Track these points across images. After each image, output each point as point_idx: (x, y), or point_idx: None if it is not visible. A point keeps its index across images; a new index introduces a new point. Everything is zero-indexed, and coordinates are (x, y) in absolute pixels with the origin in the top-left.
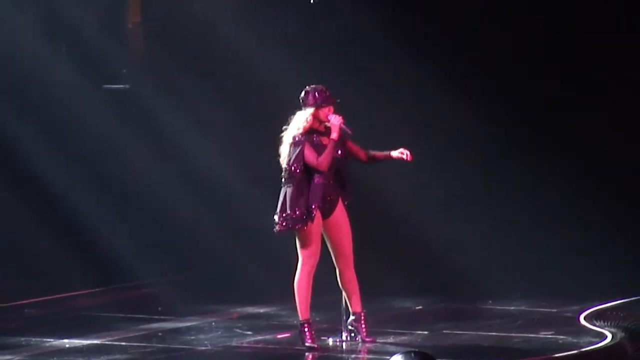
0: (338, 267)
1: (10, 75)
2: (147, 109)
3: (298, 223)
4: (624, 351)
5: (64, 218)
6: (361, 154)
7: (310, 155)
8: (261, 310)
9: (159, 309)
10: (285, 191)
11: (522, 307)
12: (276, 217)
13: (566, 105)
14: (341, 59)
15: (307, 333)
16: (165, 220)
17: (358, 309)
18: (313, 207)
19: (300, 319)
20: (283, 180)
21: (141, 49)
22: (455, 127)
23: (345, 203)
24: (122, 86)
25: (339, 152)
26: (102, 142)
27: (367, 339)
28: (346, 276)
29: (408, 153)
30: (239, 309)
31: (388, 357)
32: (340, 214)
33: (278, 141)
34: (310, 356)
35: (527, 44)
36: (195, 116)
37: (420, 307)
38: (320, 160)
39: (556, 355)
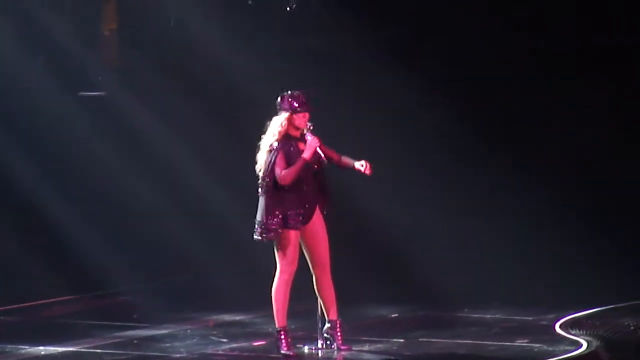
0: (314, 274)
1: None
2: (123, 115)
3: (271, 232)
4: (598, 359)
5: (38, 225)
6: (335, 157)
7: (279, 165)
8: (237, 318)
9: (135, 316)
10: (263, 200)
11: (498, 315)
12: (255, 225)
13: (546, 108)
14: (318, 66)
15: (283, 341)
16: (140, 227)
17: (334, 316)
18: (290, 215)
19: (277, 326)
20: (260, 189)
21: (117, 56)
22: (431, 135)
23: (324, 212)
24: (98, 93)
25: (315, 166)
26: (77, 149)
27: (342, 347)
28: (322, 283)
29: (368, 166)
30: (214, 317)
31: None
32: (317, 221)
33: (255, 148)
34: None
35: (503, 42)
36: (172, 122)
37: (395, 315)
38: (284, 174)
39: None
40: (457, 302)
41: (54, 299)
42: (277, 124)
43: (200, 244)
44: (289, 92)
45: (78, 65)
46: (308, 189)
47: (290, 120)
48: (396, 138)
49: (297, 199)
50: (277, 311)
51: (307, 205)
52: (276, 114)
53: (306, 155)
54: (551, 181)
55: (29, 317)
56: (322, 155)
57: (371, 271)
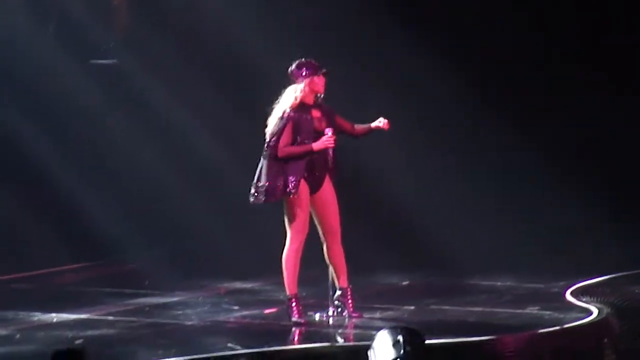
0: (325, 242)
1: None
2: (133, 83)
3: (271, 196)
4: (609, 327)
5: (49, 194)
6: (348, 127)
7: (284, 138)
8: (248, 286)
9: (146, 284)
10: (263, 163)
11: (509, 283)
12: (252, 189)
13: (555, 78)
14: (330, 38)
15: (294, 308)
16: (152, 195)
17: (344, 284)
18: (293, 180)
19: (288, 294)
20: (264, 152)
21: (127, 23)
22: (443, 104)
23: (333, 179)
24: (109, 61)
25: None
26: (88, 117)
27: (353, 314)
28: (333, 251)
29: (385, 122)
30: (226, 284)
31: (374, 332)
32: (327, 189)
33: (265, 115)
34: (297, 331)
35: (514, 17)
36: (182, 91)
37: (406, 283)
38: (285, 151)
39: (542, 330)
40: (468, 270)
41: (65, 267)
42: (296, 90)
43: (210, 212)
44: (302, 60)
45: (88, 33)
46: (317, 156)
47: (310, 85)
48: (409, 107)
49: (304, 166)
50: (287, 279)
51: (316, 173)
52: (289, 84)
53: (316, 147)
54: (563, 150)
55: (41, 284)
56: (332, 156)
57: (382, 239)
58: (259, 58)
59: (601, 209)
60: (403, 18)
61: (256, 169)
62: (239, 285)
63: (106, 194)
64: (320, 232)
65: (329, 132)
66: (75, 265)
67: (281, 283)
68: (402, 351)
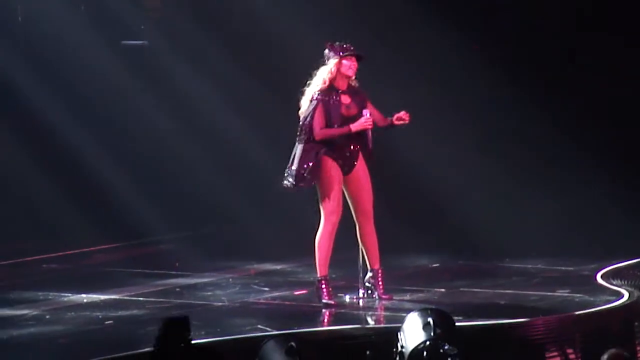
0: (358, 222)
1: (29, 35)
2: (163, 65)
3: (300, 182)
4: None
5: (80, 176)
6: (377, 118)
7: (317, 120)
8: (278, 267)
9: (176, 265)
10: (296, 147)
11: (539, 266)
12: (285, 172)
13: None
14: (362, 21)
15: (324, 290)
16: (182, 176)
17: (376, 265)
18: (321, 159)
19: (318, 275)
20: (298, 136)
21: (158, 4)
22: (472, 85)
23: (368, 161)
24: (140, 42)
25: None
26: (119, 99)
27: (383, 296)
28: (366, 232)
29: (406, 117)
30: (256, 266)
31: (404, 314)
32: (361, 169)
33: (294, 99)
34: (327, 313)
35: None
36: (212, 73)
37: (437, 265)
38: (321, 134)
39: (572, 313)
40: (498, 252)
41: (95, 247)
42: (324, 72)
43: (241, 193)
44: (333, 42)
45: (120, 14)
46: (350, 139)
47: (338, 67)
48: (440, 92)
49: (336, 148)
50: (319, 260)
51: (348, 154)
52: (322, 64)
53: (354, 128)
54: (595, 130)
55: (72, 265)
56: (370, 139)
57: (413, 221)
58: (289, 39)
59: (633, 192)
60: (439, 8)
61: (291, 152)
62: (269, 266)
63: (137, 175)
64: (353, 213)
65: (366, 113)
66: (105, 246)
67: (311, 264)
68: (432, 333)
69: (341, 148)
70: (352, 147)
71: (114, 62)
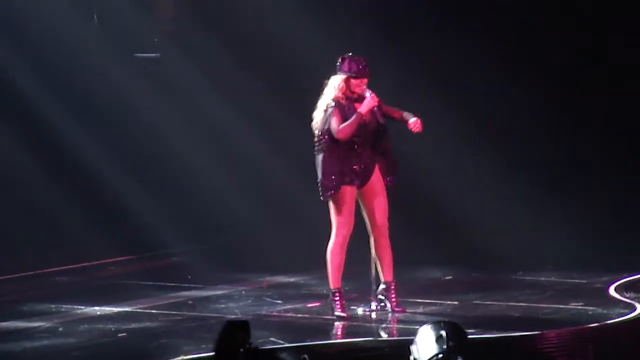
0: (372, 235)
1: (41, 45)
2: (177, 77)
3: (328, 192)
4: None
5: (92, 187)
6: (396, 115)
7: (335, 121)
8: (291, 279)
9: (189, 277)
10: (319, 158)
11: (552, 278)
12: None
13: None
14: (373, 26)
15: (337, 302)
16: (194, 188)
17: (389, 278)
18: (344, 173)
19: (331, 288)
20: (315, 147)
21: (171, 16)
22: (485, 95)
23: (386, 178)
24: (153, 55)
25: (379, 120)
26: (131, 111)
27: (396, 309)
28: (380, 245)
29: (419, 123)
30: (268, 278)
31: (417, 327)
32: (376, 182)
33: (312, 107)
34: (340, 325)
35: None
36: (225, 84)
37: (449, 278)
38: (341, 128)
39: (586, 326)
40: (511, 265)
41: (108, 260)
42: (334, 84)
43: (255, 205)
44: (351, 55)
45: (133, 26)
46: (363, 150)
47: (347, 84)
48: (448, 97)
49: (351, 160)
50: (331, 273)
51: (362, 166)
52: (335, 73)
53: (363, 110)
54: (606, 142)
55: (84, 277)
56: (379, 114)
57: (425, 233)
58: (301, 49)
59: None
60: (446, 13)
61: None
62: (281, 279)
63: (149, 187)
64: (368, 226)
65: (367, 92)
66: (118, 259)
67: (324, 277)
68: (445, 346)
69: (354, 160)
70: (366, 159)
71: (127, 74)
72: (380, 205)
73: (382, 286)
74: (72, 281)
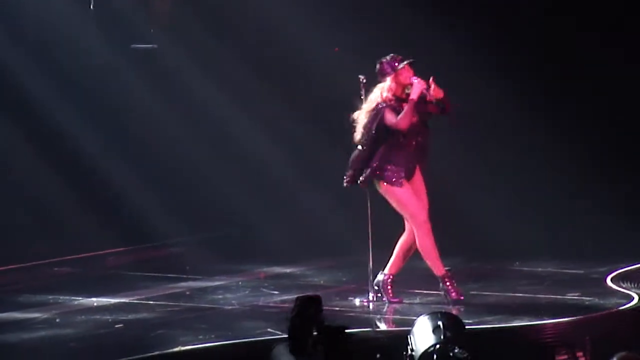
0: (407, 229)
1: (38, 36)
2: (174, 68)
3: (392, 184)
4: None
5: (92, 178)
6: (435, 109)
7: (390, 117)
8: (287, 270)
9: (187, 268)
10: (366, 152)
11: (549, 269)
12: (353, 171)
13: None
14: (380, 28)
15: (449, 287)
16: (192, 180)
17: (392, 271)
18: (394, 170)
19: (439, 275)
20: (361, 142)
21: (168, 8)
22: (484, 90)
23: (423, 171)
24: (149, 46)
25: (429, 110)
26: (129, 103)
27: (392, 300)
28: (411, 239)
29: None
30: (265, 269)
31: (414, 318)
32: (418, 179)
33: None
34: (337, 315)
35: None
36: (222, 76)
37: (448, 268)
38: (399, 119)
39: (583, 316)
40: (508, 256)
41: (105, 251)
42: (382, 88)
43: (251, 196)
44: (384, 57)
45: (129, 17)
46: (411, 148)
47: (397, 81)
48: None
49: (402, 157)
50: (433, 262)
51: (410, 165)
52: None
53: (413, 96)
54: (603, 134)
55: (82, 268)
56: (430, 95)
57: None
58: (300, 44)
59: None
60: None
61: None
62: (278, 269)
63: (147, 178)
64: (407, 221)
65: (414, 79)
66: (116, 250)
67: (320, 268)
68: (442, 336)
69: (405, 158)
70: (413, 157)
71: (125, 65)
72: (422, 200)
73: (378, 277)
74: (70, 272)
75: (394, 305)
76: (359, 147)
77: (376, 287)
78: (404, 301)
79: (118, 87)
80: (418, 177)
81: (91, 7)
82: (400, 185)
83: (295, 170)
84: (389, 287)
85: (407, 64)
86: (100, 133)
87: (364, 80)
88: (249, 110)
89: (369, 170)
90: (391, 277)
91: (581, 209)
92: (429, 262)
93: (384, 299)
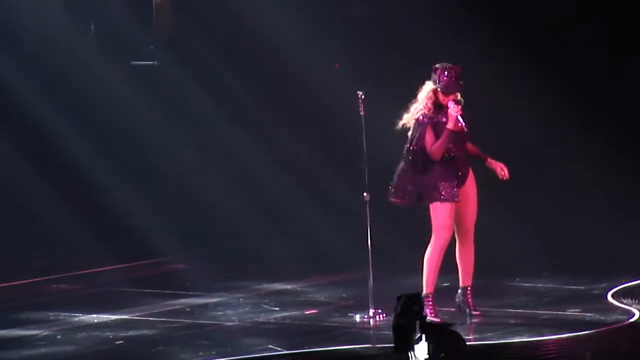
0: (458, 239)
1: (38, 52)
2: (174, 85)
3: (437, 200)
4: None
5: (91, 194)
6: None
7: (429, 140)
8: (288, 287)
9: (187, 284)
10: (405, 166)
11: (550, 285)
12: (393, 188)
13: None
14: (372, 37)
15: (430, 307)
16: (192, 196)
17: (467, 282)
18: (445, 186)
19: (424, 292)
20: (403, 154)
21: (168, 24)
22: (479, 105)
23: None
24: (150, 62)
25: (464, 125)
26: (127, 118)
27: (474, 312)
28: (464, 249)
29: (506, 172)
30: (266, 285)
31: None
32: (470, 185)
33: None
34: (338, 332)
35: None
36: (221, 92)
37: (447, 284)
38: (434, 149)
39: (583, 332)
40: (508, 271)
41: (106, 268)
42: (424, 94)
43: (253, 213)
44: (447, 65)
45: (129, 34)
46: (459, 155)
47: (435, 94)
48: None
49: (450, 170)
50: (427, 277)
51: (460, 173)
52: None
53: (450, 126)
54: (600, 149)
55: (82, 285)
56: (462, 122)
57: (422, 240)
58: (299, 58)
59: None
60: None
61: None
62: (279, 286)
63: (147, 195)
64: (455, 229)
65: (450, 104)
66: (116, 266)
67: (321, 284)
68: (442, 353)
69: (453, 170)
70: (461, 165)
71: (124, 81)
72: (470, 211)
73: (459, 291)
74: (70, 289)
75: (475, 319)
76: (404, 158)
77: (457, 301)
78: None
79: (118, 102)
80: (470, 182)
81: (92, 27)
82: (453, 200)
83: (295, 186)
84: (469, 298)
85: (452, 92)
86: (99, 149)
87: (363, 96)
88: (251, 126)
89: (424, 191)
90: (467, 288)
91: (582, 224)
92: (424, 275)
93: (466, 312)
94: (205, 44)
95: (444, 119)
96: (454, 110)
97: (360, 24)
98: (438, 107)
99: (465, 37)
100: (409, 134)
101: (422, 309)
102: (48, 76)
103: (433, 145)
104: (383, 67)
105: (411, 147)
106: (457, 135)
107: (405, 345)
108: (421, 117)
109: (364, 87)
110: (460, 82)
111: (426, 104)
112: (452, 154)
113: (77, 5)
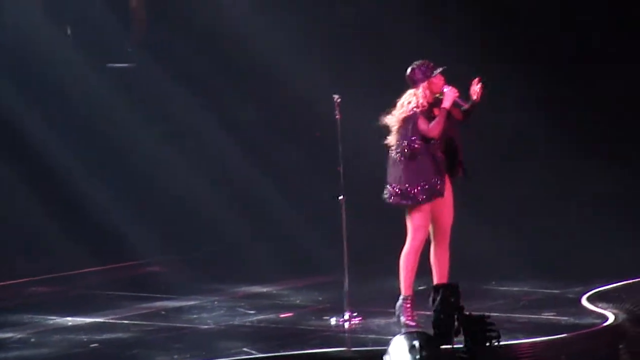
0: (433, 240)
1: (15, 55)
2: (151, 87)
3: (418, 201)
4: (625, 332)
5: (67, 196)
6: (460, 116)
7: (422, 124)
8: (264, 290)
9: (162, 287)
10: (402, 166)
11: (525, 288)
12: (389, 189)
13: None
14: (356, 44)
15: (407, 310)
16: (168, 198)
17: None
18: (432, 184)
19: (403, 294)
20: (397, 155)
21: (145, 27)
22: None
23: (455, 177)
24: (126, 65)
25: (460, 116)
26: (105, 121)
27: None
28: (439, 250)
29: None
30: (242, 288)
31: (390, 337)
32: (447, 189)
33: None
34: (313, 336)
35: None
36: (201, 94)
37: (423, 287)
38: (431, 127)
39: (558, 336)
40: (484, 275)
41: (81, 270)
42: (417, 94)
43: (228, 216)
44: (416, 63)
45: (106, 36)
46: (443, 156)
47: (430, 87)
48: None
49: (435, 168)
50: (405, 277)
51: (441, 175)
52: (406, 88)
53: (446, 104)
54: (580, 153)
55: (57, 288)
56: (462, 101)
57: (397, 244)
58: (280, 60)
59: (618, 215)
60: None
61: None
62: (255, 289)
63: (123, 196)
64: (431, 230)
65: (446, 88)
66: (91, 269)
67: (297, 287)
68: (418, 356)
69: (437, 169)
70: (443, 167)
71: (102, 84)
72: (447, 212)
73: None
74: (45, 291)
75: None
76: (393, 154)
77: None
78: (380, 320)
79: (97, 105)
80: (447, 185)
81: (68, 31)
82: (430, 201)
83: (276, 190)
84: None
85: (439, 72)
86: (78, 151)
87: (339, 100)
88: (232, 128)
89: (402, 191)
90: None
91: (556, 228)
92: (402, 277)
93: None
94: (183, 45)
95: (433, 114)
96: (451, 91)
97: (341, 26)
98: (430, 107)
99: (443, 40)
100: (395, 134)
101: (459, 298)
102: (25, 79)
103: (429, 128)
104: (360, 70)
105: (408, 145)
106: (450, 123)
107: (446, 336)
108: (411, 112)
109: (342, 90)
110: (441, 69)
111: (420, 102)
112: (437, 153)
113: (54, 8)
